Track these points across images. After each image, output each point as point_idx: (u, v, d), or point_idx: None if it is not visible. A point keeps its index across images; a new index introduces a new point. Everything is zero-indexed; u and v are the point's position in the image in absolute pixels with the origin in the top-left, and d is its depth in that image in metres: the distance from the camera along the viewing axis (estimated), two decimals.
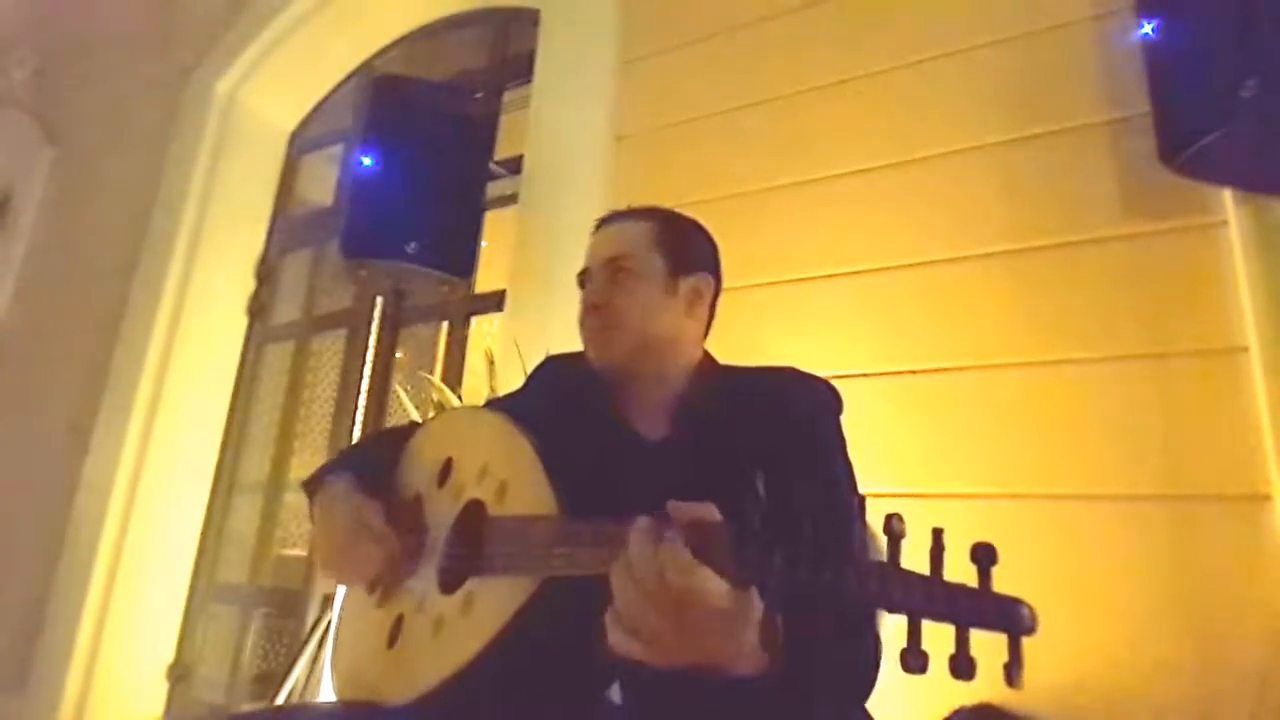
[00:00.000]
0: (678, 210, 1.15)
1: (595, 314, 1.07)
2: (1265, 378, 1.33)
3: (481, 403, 1.47)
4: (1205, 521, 1.33)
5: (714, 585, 0.64)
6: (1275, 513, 1.28)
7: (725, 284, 1.15)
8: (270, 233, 3.33)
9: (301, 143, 3.46)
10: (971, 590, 0.55)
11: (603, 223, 1.14)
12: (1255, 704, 1.23)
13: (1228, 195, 1.41)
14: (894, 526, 0.58)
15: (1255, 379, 1.34)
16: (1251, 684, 1.24)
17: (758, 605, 0.65)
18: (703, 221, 1.16)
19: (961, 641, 0.54)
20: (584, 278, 1.11)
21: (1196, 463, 1.36)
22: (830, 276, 1.77)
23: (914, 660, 0.55)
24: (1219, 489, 1.33)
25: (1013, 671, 0.53)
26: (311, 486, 1.12)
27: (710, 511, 0.67)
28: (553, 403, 1.11)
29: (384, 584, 1.03)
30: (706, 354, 1.11)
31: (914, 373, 1.63)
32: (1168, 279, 1.45)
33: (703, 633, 0.66)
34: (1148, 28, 1.36)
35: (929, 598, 0.55)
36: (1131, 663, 1.33)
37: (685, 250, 1.10)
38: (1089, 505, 1.42)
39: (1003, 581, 0.55)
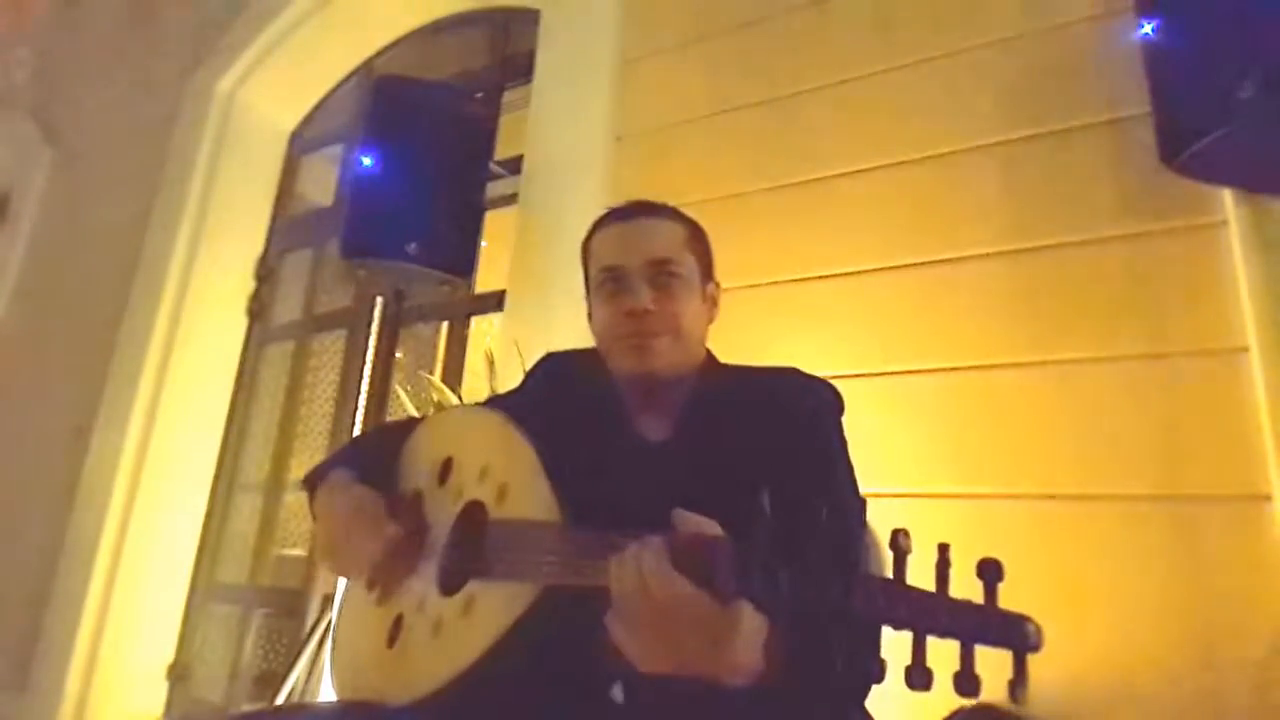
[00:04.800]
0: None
1: (641, 319, 0.98)
2: (1265, 378, 1.32)
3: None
4: (1205, 521, 1.33)
5: (693, 597, 0.65)
6: (1275, 513, 1.28)
7: (725, 284, 1.15)
8: (270, 233, 3.32)
9: (301, 143, 3.46)
10: (977, 607, 0.55)
11: (626, 216, 1.05)
12: (1255, 704, 1.22)
13: (1228, 195, 1.41)
14: (900, 543, 0.58)
15: (1255, 379, 1.34)
16: (1251, 684, 1.24)
17: (753, 622, 0.66)
18: (703, 221, 1.16)
19: (966, 658, 0.54)
20: (615, 275, 1.02)
21: (1196, 463, 1.36)
22: (830, 276, 1.77)
23: (919, 678, 0.55)
24: (1219, 489, 1.33)
25: (1017, 688, 0.53)
26: (312, 481, 1.12)
27: (713, 526, 0.68)
28: (554, 402, 1.10)
29: (383, 580, 1.03)
30: (709, 353, 1.10)
31: (914, 373, 1.63)
32: (1168, 279, 1.45)
33: (682, 642, 0.66)
34: (1148, 28, 1.36)
35: (935, 615, 0.55)
36: (1131, 663, 1.33)
37: (709, 255, 1.09)
38: (1088, 505, 1.42)
39: (1002, 582, 0.55)
